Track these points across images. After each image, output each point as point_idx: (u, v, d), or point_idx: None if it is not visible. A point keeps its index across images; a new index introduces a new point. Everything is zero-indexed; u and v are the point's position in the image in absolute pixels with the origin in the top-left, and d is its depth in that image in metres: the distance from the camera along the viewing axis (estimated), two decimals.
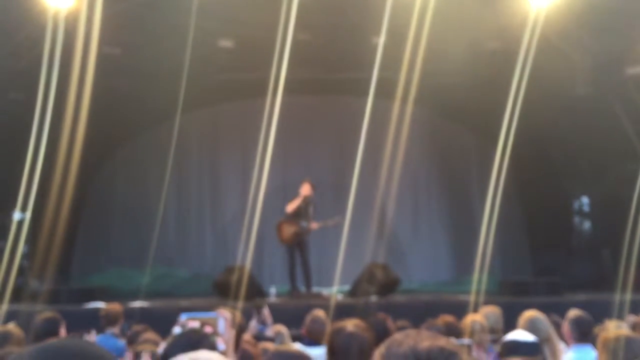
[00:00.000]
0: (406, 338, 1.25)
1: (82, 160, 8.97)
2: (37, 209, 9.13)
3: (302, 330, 4.84)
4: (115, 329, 5.47)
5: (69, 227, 10.01)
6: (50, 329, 4.47)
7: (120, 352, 4.71)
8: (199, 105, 11.60)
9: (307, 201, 9.31)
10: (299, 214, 9.30)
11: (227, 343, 2.66)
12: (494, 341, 4.40)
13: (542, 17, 8.20)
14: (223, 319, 2.69)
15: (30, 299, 8.68)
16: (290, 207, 9.29)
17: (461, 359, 1.24)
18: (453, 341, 1.27)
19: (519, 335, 3.82)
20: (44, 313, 4.73)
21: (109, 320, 5.57)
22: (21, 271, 9.81)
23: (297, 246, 9.37)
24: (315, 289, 9.69)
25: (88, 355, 1.27)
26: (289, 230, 9.32)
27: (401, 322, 5.09)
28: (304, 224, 9.25)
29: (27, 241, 9.77)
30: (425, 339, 1.24)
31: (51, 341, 1.34)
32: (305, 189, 9.31)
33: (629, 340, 3.46)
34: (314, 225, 9.31)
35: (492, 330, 4.62)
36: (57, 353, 1.27)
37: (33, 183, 8.59)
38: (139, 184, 11.87)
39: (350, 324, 2.79)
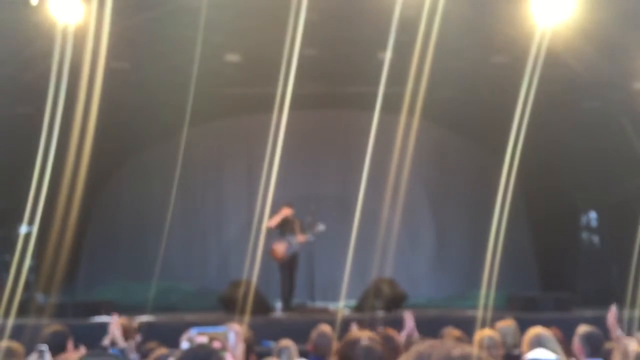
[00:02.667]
0: (433, 349, 1.21)
1: (88, 174, 8.99)
2: (43, 222, 9.14)
3: (308, 346, 4.79)
4: (129, 344, 5.34)
5: (75, 241, 10.01)
6: (58, 343, 4.47)
7: None
8: (205, 119, 11.63)
9: (288, 220, 9.60)
10: (284, 231, 9.52)
11: (236, 358, 2.64)
12: (515, 356, 4.34)
13: (549, 31, 8.21)
14: (233, 333, 2.67)
15: (36, 313, 8.66)
16: (271, 222, 9.54)
17: None
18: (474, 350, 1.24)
19: (541, 354, 3.77)
20: (51, 326, 4.72)
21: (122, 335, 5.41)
22: (27, 285, 9.79)
23: (289, 263, 9.57)
24: (321, 304, 9.69)
25: None
26: (280, 248, 9.52)
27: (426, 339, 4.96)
28: (292, 239, 9.44)
29: (33, 255, 9.76)
30: (454, 347, 1.21)
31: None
32: (285, 212, 9.50)
33: None
34: (301, 238, 9.55)
35: (514, 345, 4.56)
36: None
37: (40, 196, 8.61)
38: (145, 198, 11.88)
39: (364, 337, 2.75)
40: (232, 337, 2.62)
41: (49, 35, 7.96)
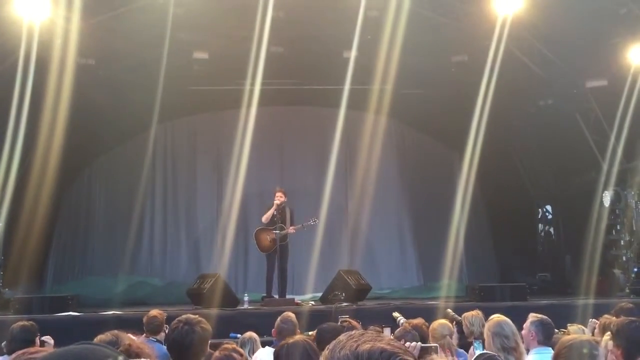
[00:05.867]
0: (349, 340, 1.22)
1: (57, 170, 8.98)
2: (11, 218, 9.11)
3: (272, 332, 4.94)
4: (159, 336, 5.31)
5: (44, 237, 9.98)
6: (26, 337, 4.53)
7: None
8: (174, 116, 11.68)
9: (280, 208, 9.40)
10: (273, 221, 9.38)
11: None
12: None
13: (506, 32, 8.54)
14: None
15: (2, 308, 8.64)
16: (265, 217, 9.41)
17: (403, 359, 1.18)
18: (397, 342, 1.24)
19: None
20: (20, 322, 4.77)
21: (154, 327, 5.40)
22: None
23: (275, 253, 9.36)
24: (288, 296, 9.76)
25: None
26: (265, 238, 9.37)
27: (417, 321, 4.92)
28: (278, 230, 9.34)
29: (0, 251, 9.71)
30: (367, 341, 1.20)
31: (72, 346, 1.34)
32: (279, 197, 9.38)
33: (587, 344, 3.55)
34: (292, 229, 9.35)
35: (481, 334, 4.57)
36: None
37: (6, 192, 8.59)
38: (114, 193, 11.87)
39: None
40: None
41: (15, 32, 7.92)
